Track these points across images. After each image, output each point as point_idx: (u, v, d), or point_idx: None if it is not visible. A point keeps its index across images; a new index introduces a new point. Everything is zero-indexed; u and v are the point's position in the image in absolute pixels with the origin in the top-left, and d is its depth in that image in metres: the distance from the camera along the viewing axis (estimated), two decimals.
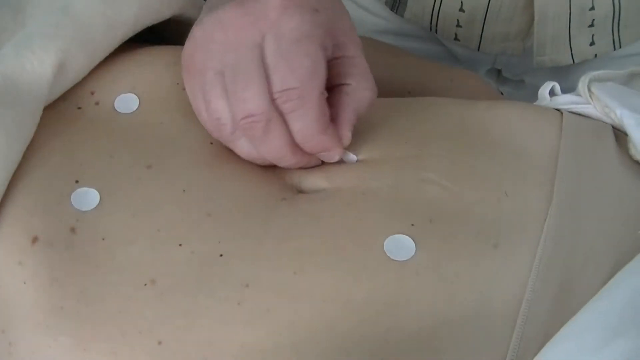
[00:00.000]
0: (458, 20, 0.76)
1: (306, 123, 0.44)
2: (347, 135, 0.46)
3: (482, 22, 0.75)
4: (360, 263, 0.41)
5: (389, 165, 0.46)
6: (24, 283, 0.42)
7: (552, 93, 0.54)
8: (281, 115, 0.43)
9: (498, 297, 0.41)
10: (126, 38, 0.53)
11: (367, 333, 0.40)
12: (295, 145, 0.45)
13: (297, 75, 0.42)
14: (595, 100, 0.50)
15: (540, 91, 0.54)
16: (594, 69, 0.57)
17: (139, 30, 0.54)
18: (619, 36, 0.74)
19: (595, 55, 0.75)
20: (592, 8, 0.71)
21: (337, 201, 0.44)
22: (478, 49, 0.78)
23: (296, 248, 0.42)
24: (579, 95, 0.51)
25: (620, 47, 0.75)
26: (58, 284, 0.41)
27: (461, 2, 0.74)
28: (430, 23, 0.78)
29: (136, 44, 0.55)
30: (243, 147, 0.46)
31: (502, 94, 0.92)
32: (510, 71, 0.85)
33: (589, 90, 0.50)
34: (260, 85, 0.42)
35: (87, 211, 0.44)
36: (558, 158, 0.47)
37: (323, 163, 0.47)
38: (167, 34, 0.60)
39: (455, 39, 0.78)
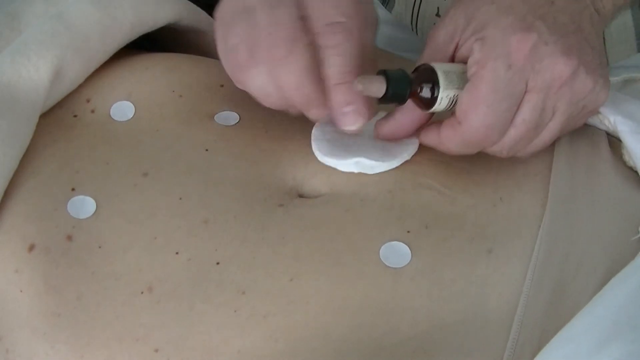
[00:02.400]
0: (435, 24, 0.77)
1: (346, 59, 0.42)
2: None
3: None
4: (356, 270, 0.41)
5: (389, 170, 0.46)
6: (21, 291, 0.42)
7: None
8: (312, 44, 0.42)
9: (493, 302, 0.41)
10: (122, 45, 0.53)
11: (362, 338, 0.40)
12: (317, 76, 0.43)
13: (342, 10, 0.42)
14: None
15: None
16: None
17: (135, 37, 0.54)
18: (606, 54, 0.74)
19: None
20: None
21: (335, 207, 0.44)
22: None
23: (292, 254, 0.42)
24: None
25: (607, 64, 0.75)
26: (54, 291, 0.41)
27: (437, 7, 0.75)
28: (411, 24, 0.79)
29: (132, 51, 0.55)
30: (256, 79, 0.43)
31: None
32: None
33: None
34: (290, 6, 0.42)
35: (83, 219, 0.44)
36: (552, 164, 0.47)
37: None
38: (163, 40, 0.60)
39: None
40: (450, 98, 0.43)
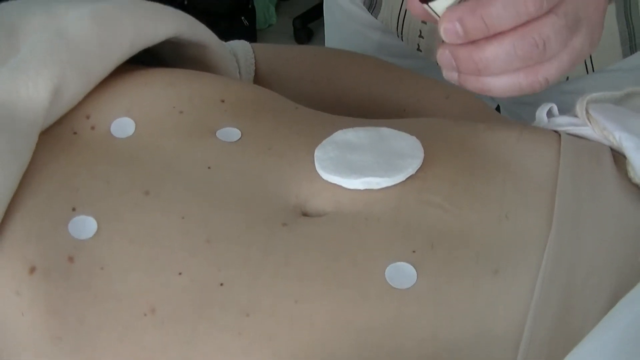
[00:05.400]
0: (420, 31, 0.77)
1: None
2: None
3: None
4: (361, 291, 0.41)
5: (393, 186, 0.46)
6: (22, 313, 0.41)
7: (549, 114, 0.54)
8: None
9: (499, 322, 0.41)
10: (121, 61, 0.52)
11: (367, 359, 0.40)
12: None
13: None
14: (593, 122, 0.50)
15: (537, 113, 0.54)
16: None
17: (135, 53, 0.53)
18: (591, 60, 0.74)
19: (567, 77, 0.76)
20: None
21: (339, 226, 0.44)
22: (437, 63, 0.79)
23: (297, 275, 0.42)
24: (577, 116, 0.51)
25: (593, 70, 0.75)
26: (56, 313, 0.41)
27: None
28: (397, 30, 0.79)
29: (132, 66, 0.54)
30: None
31: (498, 106, 0.93)
32: None
33: (587, 112, 0.50)
34: None
35: (84, 239, 0.43)
36: (557, 180, 0.47)
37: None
38: (162, 54, 0.60)
39: (418, 49, 0.79)
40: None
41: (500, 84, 0.42)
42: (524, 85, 0.42)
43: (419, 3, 0.43)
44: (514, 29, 0.41)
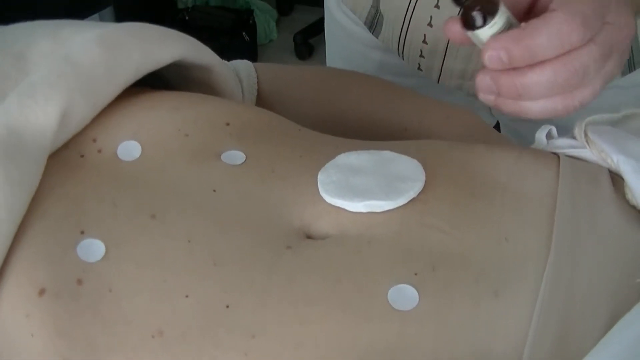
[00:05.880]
0: (421, 51, 0.78)
1: None
2: None
3: (443, 55, 0.77)
4: (364, 313, 0.42)
5: (395, 209, 0.47)
6: (32, 335, 0.42)
7: (549, 136, 0.54)
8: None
9: (499, 344, 0.41)
10: (127, 85, 0.53)
11: None
12: None
13: None
14: (591, 145, 0.51)
15: (537, 134, 0.55)
16: None
17: (140, 77, 0.54)
18: None
19: None
20: None
21: (343, 249, 0.45)
22: (437, 82, 0.80)
23: (302, 298, 0.42)
24: (575, 138, 0.52)
25: None
26: (65, 336, 0.42)
27: (424, 35, 0.76)
28: (398, 49, 0.81)
29: (137, 89, 0.55)
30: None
31: (497, 122, 0.94)
32: None
33: (585, 134, 0.51)
34: None
35: (93, 262, 0.44)
36: (556, 202, 0.48)
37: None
38: (167, 76, 0.61)
39: (419, 68, 0.81)
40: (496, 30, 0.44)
41: (537, 108, 0.44)
42: (560, 108, 0.44)
43: (460, 30, 0.45)
44: (556, 57, 0.42)
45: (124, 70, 0.52)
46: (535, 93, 0.43)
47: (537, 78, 0.42)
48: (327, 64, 0.98)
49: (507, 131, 0.92)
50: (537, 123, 0.82)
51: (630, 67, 0.75)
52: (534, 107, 0.44)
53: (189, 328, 0.42)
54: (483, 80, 0.45)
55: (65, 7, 1.49)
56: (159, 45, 0.55)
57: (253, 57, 2.68)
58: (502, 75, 0.44)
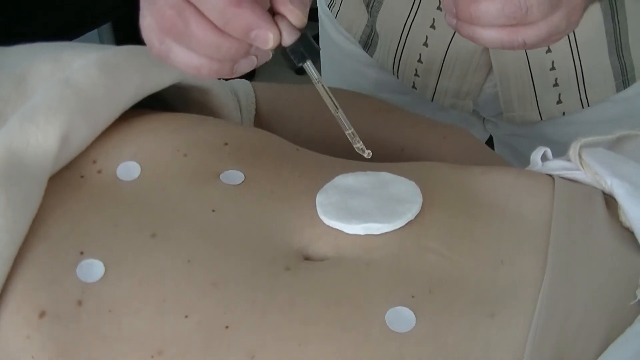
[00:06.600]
0: (416, 70, 0.79)
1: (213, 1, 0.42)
2: (289, 9, 0.44)
3: (438, 75, 0.79)
4: (362, 334, 0.42)
5: (393, 232, 0.47)
6: (32, 357, 0.42)
7: (544, 158, 0.55)
8: (192, 5, 0.42)
9: None
10: (127, 107, 0.54)
11: None
12: (220, 30, 0.43)
13: None
14: (585, 167, 0.51)
15: (532, 156, 0.55)
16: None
17: (140, 99, 0.55)
18: (585, 95, 0.77)
19: (563, 113, 0.78)
20: (553, 68, 0.75)
21: (341, 271, 0.45)
22: (432, 100, 0.81)
23: (301, 319, 0.43)
24: (570, 160, 0.53)
25: (588, 105, 0.77)
26: (66, 357, 0.42)
27: (419, 54, 0.77)
28: (393, 68, 0.82)
29: (137, 110, 0.56)
30: (179, 56, 0.44)
31: (490, 136, 0.94)
32: (486, 112, 0.88)
33: (580, 156, 0.52)
34: None
35: (92, 283, 0.44)
36: (551, 224, 0.48)
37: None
38: (166, 97, 0.61)
39: (413, 87, 0.82)
40: None
41: (487, 35, 0.49)
42: (506, 40, 0.49)
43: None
44: None
45: (124, 93, 0.53)
46: (485, 20, 0.48)
47: (487, 6, 0.47)
48: None
49: (501, 145, 0.92)
50: (529, 138, 0.84)
51: (624, 84, 0.76)
52: (485, 34, 0.49)
53: (188, 348, 0.42)
54: (447, 3, 0.50)
55: (64, 22, 1.50)
56: (159, 68, 0.55)
57: (251, 71, 2.67)
58: (461, 0, 0.49)
